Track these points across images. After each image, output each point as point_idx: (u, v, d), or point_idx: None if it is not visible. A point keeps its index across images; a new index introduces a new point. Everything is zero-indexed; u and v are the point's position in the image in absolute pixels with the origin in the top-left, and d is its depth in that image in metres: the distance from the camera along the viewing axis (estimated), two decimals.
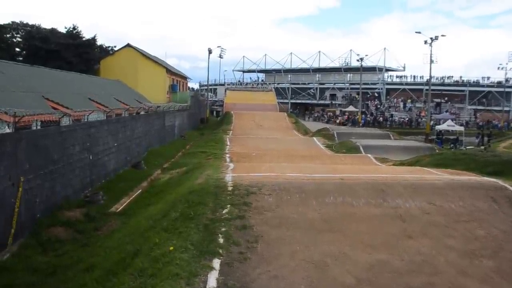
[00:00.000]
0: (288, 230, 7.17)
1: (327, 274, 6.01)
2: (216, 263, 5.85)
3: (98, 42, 39.97)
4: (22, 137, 9.58)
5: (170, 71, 42.57)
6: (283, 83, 69.91)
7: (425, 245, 6.99)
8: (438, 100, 52.02)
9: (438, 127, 36.77)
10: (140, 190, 14.76)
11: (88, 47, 37.30)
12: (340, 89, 65.06)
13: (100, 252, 7.94)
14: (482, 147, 26.58)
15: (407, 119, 48.71)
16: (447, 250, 6.88)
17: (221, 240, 6.54)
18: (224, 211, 7.58)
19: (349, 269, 6.18)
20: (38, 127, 11.84)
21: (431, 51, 37.12)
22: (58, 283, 7.08)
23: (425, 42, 37.03)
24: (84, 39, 37.48)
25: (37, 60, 27.72)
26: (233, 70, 79.90)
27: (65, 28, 37.35)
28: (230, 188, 8.75)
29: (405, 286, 5.88)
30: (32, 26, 35.79)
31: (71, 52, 34.44)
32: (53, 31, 36.20)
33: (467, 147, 28.77)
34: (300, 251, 6.57)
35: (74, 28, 37.02)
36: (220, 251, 6.20)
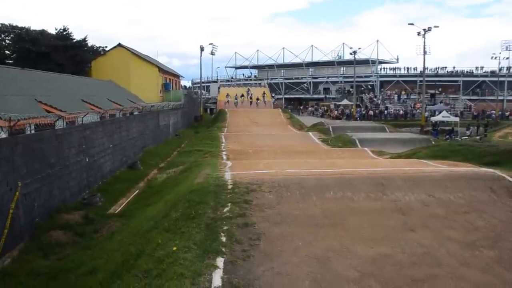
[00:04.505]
0: (289, 227, 7.18)
1: (330, 269, 6.02)
2: (220, 261, 5.84)
3: (89, 43, 39.66)
4: (18, 142, 9.50)
5: (162, 69, 42.38)
6: (276, 79, 69.85)
7: (426, 237, 7.03)
8: (432, 92, 52.15)
9: (433, 119, 36.88)
10: (138, 191, 14.73)
11: (79, 48, 36.95)
12: (334, 82, 65.13)
13: (102, 254, 7.90)
14: (478, 137, 26.84)
15: (401, 111, 48.83)
16: (448, 242, 6.92)
17: (223, 239, 6.53)
18: (225, 210, 7.57)
19: (352, 263, 6.20)
20: (32, 131, 11.75)
21: (424, 42, 37.29)
22: (62, 287, 7.05)
23: (418, 33, 37.14)
24: (74, 40, 37.13)
25: (27, 63, 27.42)
26: (225, 67, 79.80)
27: (55, 29, 37.00)
28: (230, 186, 8.75)
29: (408, 278, 5.91)
30: (22, 28, 35.35)
31: (62, 54, 34.12)
32: (43, 33, 35.79)
33: (463, 138, 29.01)
34: (302, 247, 6.58)
35: (64, 30, 36.67)
36: (223, 249, 6.19)
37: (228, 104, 46.80)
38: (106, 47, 40.61)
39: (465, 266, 6.29)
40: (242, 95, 49.64)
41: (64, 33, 36.59)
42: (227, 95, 48.55)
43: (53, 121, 12.67)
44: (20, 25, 35.88)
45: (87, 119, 15.28)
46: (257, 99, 48.01)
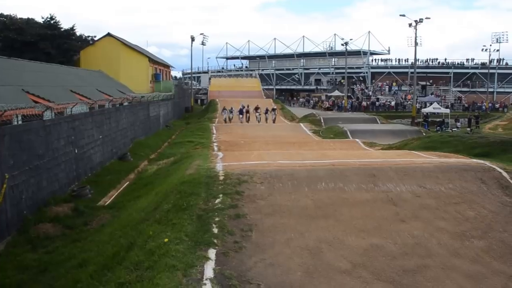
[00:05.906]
0: (281, 218, 7.16)
1: (322, 260, 6.04)
2: (212, 253, 5.81)
3: (77, 32, 38.86)
4: (5, 133, 9.28)
5: (152, 60, 41.82)
6: (267, 69, 69.56)
7: (417, 228, 7.08)
8: (423, 83, 52.40)
9: (424, 110, 37.08)
10: (128, 183, 14.60)
11: (67, 38, 36.19)
12: (325, 74, 65.01)
13: (92, 247, 7.81)
14: (469, 129, 27.13)
15: (393, 102, 49.03)
16: (439, 232, 6.98)
17: (215, 230, 6.50)
18: (216, 201, 7.52)
19: (344, 254, 6.22)
20: (19, 122, 11.49)
21: (415, 34, 37.26)
22: (51, 280, 6.94)
23: (410, 25, 37.10)
24: (62, 29, 36.34)
25: (13, 52, 26.72)
26: (216, 57, 79.12)
27: (42, 18, 36.16)
28: (221, 178, 8.68)
29: (399, 269, 5.96)
30: (6, 16, 34.47)
31: (49, 43, 33.35)
32: (29, 21, 34.90)
33: (453, 130, 29.28)
34: (294, 238, 6.58)
35: (51, 18, 35.81)
36: (215, 241, 6.16)
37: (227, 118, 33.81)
38: (95, 36, 39.84)
39: (455, 256, 6.36)
40: (241, 113, 33.39)
41: (52, 21, 35.72)
42: (224, 109, 34.84)
43: (41, 112, 12.39)
44: (5, 13, 35.05)
45: (76, 110, 15.00)
46: (256, 108, 33.25)
